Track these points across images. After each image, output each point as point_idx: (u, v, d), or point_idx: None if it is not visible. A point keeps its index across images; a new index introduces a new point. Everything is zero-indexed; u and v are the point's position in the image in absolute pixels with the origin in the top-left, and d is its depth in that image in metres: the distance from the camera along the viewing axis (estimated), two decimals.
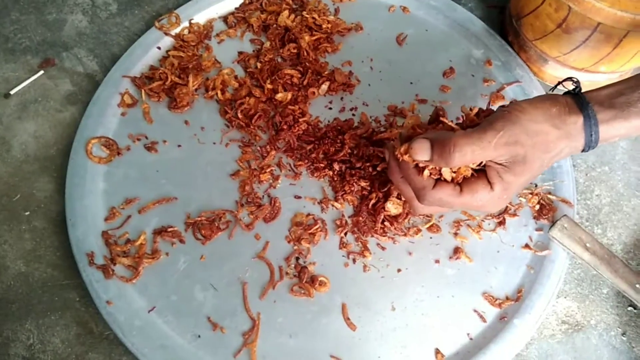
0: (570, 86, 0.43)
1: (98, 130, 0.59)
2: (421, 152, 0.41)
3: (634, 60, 0.60)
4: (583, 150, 0.41)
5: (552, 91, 0.46)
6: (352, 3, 0.70)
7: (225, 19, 0.69)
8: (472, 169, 0.42)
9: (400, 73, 0.65)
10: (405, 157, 0.43)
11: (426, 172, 0.43)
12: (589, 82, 0.65)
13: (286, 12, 0.67)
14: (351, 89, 0.64)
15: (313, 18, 0.66)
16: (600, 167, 0.61)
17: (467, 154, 0.39)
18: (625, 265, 0.51)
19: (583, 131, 0.40)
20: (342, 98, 0.63)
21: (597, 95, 0.40)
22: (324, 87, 0.63)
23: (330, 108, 0.63)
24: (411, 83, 0.64)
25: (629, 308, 0.53)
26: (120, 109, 0.61)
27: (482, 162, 0.41)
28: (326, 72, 0.64)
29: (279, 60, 0.66)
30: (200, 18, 0.68)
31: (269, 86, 0.62)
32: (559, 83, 0.47)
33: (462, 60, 0.66)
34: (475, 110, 0.45)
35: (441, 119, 0.44)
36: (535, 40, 0.62)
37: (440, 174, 0.43)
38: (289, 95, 0.61)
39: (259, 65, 0.64)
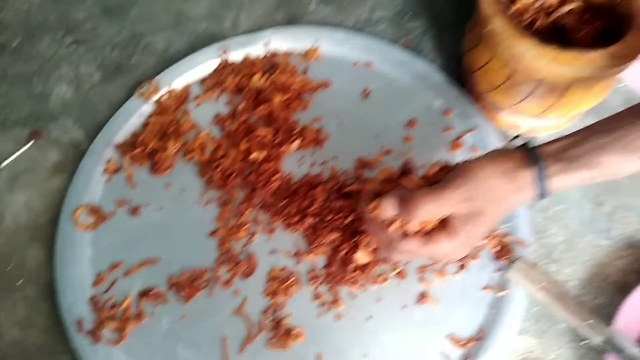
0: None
1: (84, 198, 0.63)
2: (388, 209, 0.46)
3: (581, 106, 0.65)
4: (539, 199, 0.46)
5: (511, 141, 0.51)
6: (320, 62, 0.75)
7: (202, 82, 0.74)
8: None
9: (366, 126, 0.70)
10: (375, 213, 0.47)
11: (394, 226, 0.47)
12: (542, 126, 0.69)
13: (258, 75, 0.72)
14: (321, 144, 0.68)
15: (283, 79, 0.71)
16: (556, 206, 0.66)
17: (429, 210, 0.44)
18: (577, 303, 0.55)
19: (534, 184, 0.44)
20: (312, 153, 0.68)
21: (546, 150, 0.45)
22: (295, 144, 0.67)
23: (302, 164, 0.67)
24: (376, 136, 0.69)
25: (584, 342, 0.57)
26: (105, 175, 0.65)
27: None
28: (297, 130, 0.69)
29: (253, 120, 0.70)
30: (179, 83, 0.73)
31: (244, 146, 0.67)
32: (512, 139, 0.52)
33: (423, 111, 0.71)
34: (438, 168, 0.49)
35: (406, 177, 0.49)
36: (487, 93, 0.67)
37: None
38: (263, 155, 0.66)
39: (234, 126, 0.69)
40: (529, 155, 0.45)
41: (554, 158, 0.44)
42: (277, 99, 0.70)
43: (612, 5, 0.62)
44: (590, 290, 0.61)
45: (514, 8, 0.63)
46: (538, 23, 0.63)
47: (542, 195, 0.44)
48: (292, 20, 0.79)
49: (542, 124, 0.69)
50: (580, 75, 0.58)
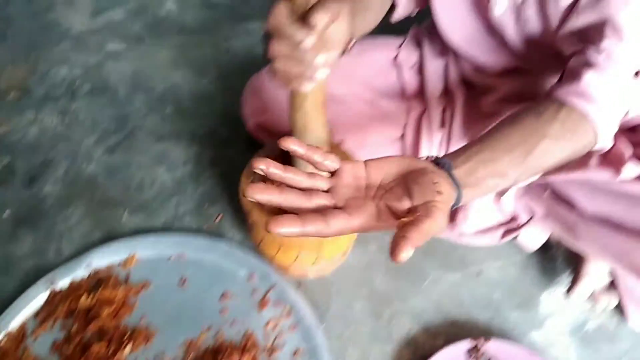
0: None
1: None
2: None
3: (340, 250, 0.85)
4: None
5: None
6: (138, 266, 0.89)
7: (36, 316, 0.83)
8: None
9: (186, 311, 0.84)
10: None
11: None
12: (324, 267, 0.89)
13: (84, 296, 0.84)
14: (150, 340, 0.80)
15: (108, 293, 0.84)
16: (347, 328, 0.83)
17: None
18: None
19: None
20: (144, 351, 0.79)
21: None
22: (128, 349, 0.79)
23: None
24: (197, 317, 0.83)
25: None
26: None
27: None
28: (127, 334, 0.81)
29: (87, 337, 0.81)
30: (14, 324, 0.82)
31: None
32: None
33: (232, 282, 0.87)
34: None
35: None
36: (272, 257, 0.86)
37: None
38: None
39: (70, 349, 0.79)
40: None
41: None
42: (105, 312, 0.82)
43: None
44: None
45: None
46: None
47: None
48: (110, 235, 0.93)
49: (322, 266, 0.88)
50: None
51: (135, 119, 1.12)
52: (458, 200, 0.53)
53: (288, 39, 0.55)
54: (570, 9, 0.67)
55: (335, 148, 0.85)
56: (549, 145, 0.60)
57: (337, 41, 0.60)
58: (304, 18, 0.54)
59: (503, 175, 0.58)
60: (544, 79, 0.84)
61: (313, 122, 0.67)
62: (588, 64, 0.62)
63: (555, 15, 0.69)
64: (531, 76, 0.86)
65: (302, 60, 0.56)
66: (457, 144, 0.88)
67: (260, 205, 0.78)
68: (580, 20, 0.65)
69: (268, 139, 0.99)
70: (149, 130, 1.10)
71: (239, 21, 1.34)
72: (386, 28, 0.82)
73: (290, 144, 0.51)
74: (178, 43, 1.29)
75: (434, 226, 0.46)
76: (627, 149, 0.69)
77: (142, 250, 0.90)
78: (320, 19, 0.52)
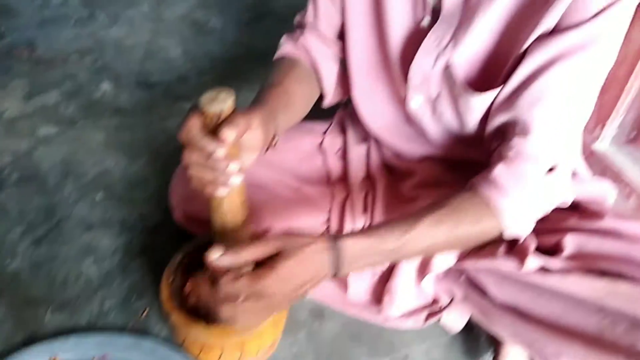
0: None
1: None
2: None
3: (266, 343, 0.84)
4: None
5: None
6: None
7: None
8: None
9: None
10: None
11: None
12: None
13: None
14: None
15: None
16: None
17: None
18: None
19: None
20: None
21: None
22: None
23: None
24: None
25: None
26: None
27: None
28: None
29: None
30: None
31: None
32: None
33: None
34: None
35: None
36: (196, 356, 0.84)
37: None
38: None
39: None
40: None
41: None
42: None
43: None
44: None
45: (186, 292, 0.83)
46: None
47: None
48: (32, 336, 0.90)
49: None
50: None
51: (63, 207, 1.10)
52: (338, 261, 0.61)
53: (200, 150, 0.57)
54: (487, 111, 0.72)
55: (256, 240, 0.86)
56: (439, 221, 0.65)
57: (251, 147, 0.62)
58: (215, 131, 0.56)
59: (385, 244, 0.63)
60: (462, 165, 0.89)
61: (231, 223, 0.68)
62: (500, 157, 0.67)
63: (467, 113, 0.74)
64: (450, 162, 0.91)
65: (215, 168, 0.58)
66: None
67: (179, 308, 0.78)
68: (494, 122, 0.71)
69: (196, 229, 0.99)
70: (78, 220, 1.08)
71: (175, 101, 1.36)
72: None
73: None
74: (112, 124, 1.30)
75: (259, 249, 0.61)
76: (532, 242, 0.72)
77: (64, 353, 0.87)
78: (229, 134, 0.54)
